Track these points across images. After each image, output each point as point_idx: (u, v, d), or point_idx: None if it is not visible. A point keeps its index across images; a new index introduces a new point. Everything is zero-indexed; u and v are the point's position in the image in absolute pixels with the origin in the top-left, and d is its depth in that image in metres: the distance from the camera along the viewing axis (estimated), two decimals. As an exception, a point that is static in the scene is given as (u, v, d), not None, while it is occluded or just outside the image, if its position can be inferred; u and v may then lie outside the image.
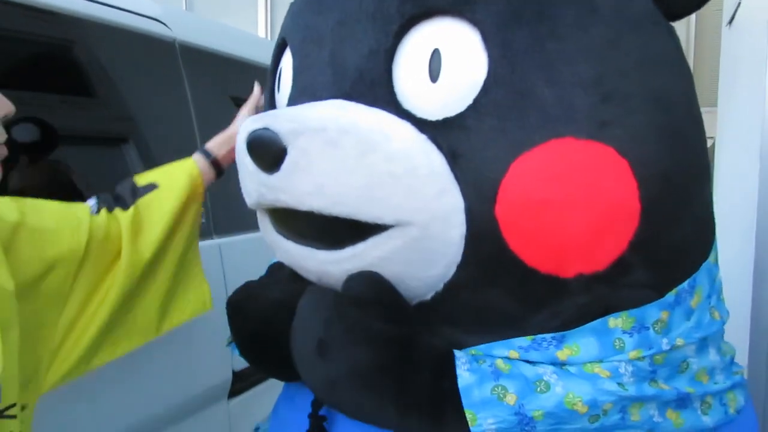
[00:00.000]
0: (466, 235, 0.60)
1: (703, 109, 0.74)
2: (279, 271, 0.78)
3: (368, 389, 0.61)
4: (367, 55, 0.64)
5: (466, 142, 0.59)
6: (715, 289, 0.71)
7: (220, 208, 1.52)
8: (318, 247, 0.67)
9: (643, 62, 0.62)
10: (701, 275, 0.68)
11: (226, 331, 1.46)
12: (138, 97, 1.38)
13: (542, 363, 0.61)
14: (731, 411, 0.67)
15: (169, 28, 1.47)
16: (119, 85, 1.34)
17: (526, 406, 0.57)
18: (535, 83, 0.58)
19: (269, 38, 5.02)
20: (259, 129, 0.63)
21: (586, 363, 0.60)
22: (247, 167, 0.67)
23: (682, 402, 0.62)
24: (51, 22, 1.20)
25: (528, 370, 0.60)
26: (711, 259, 0.70)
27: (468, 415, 0.58)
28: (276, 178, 0.63)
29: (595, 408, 0.57)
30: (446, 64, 0.60)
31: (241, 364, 1.55)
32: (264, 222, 0.75)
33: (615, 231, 0.60)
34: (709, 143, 0.74)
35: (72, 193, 1.25)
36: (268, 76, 0.84)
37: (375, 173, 0.60)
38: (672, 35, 0.67)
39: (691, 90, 0.68)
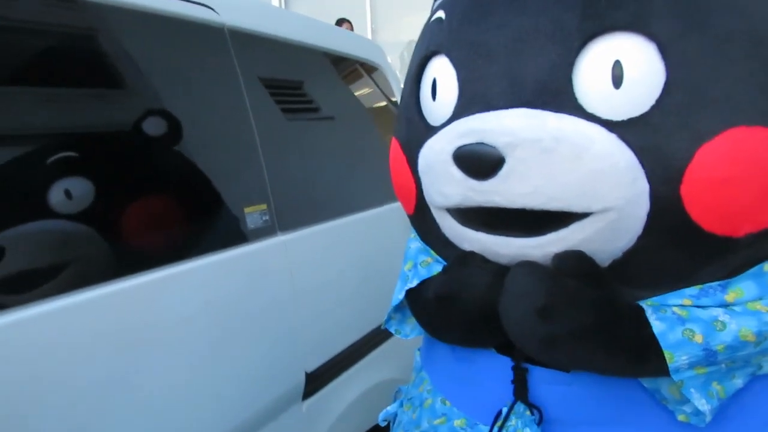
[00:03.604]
0: (649, 212, 0.72)
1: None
2: (471, 259, 0.85)
3: (586, 343, 0.74)
4: (549, 68, 0.74)
5: (652, 137, 0.71)
6: None
7: (283, 204, 1.44)
8: (515, 236, 0.78)
9: None
10: None
11: (296, 332, 1.43)
12: (187, 87, 1.29)
13: (712, 306, 0.74)
14: None
15: (217, 13, 1.36)
16: (166, 75, 1.25)
17: (711, 343, 0.71)
18: (708, 83, 0.70)
19: (283, 8, 4.88)
20: (472, 144, 0.73)
21: (749, 302, 0.74)
22: (452, 176, 0.77)
23: None
24: (94, 12, 1.11)
25: (702, 314, 0.73)
26: None
27: (666, 355, 0.71)
28: (489, 183, 0.74)
29: (760, 336, 0.72)
30: (628, 72, 0.71)
31: (313, 364, 1.50)
32: (444, 218, 0.86)
33: None
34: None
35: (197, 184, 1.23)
36: (409, 83, 0.93)
37: (586, 172, 0.71)
38: None
39: None
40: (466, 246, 0.86)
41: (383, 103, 2.20)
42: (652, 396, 0.79)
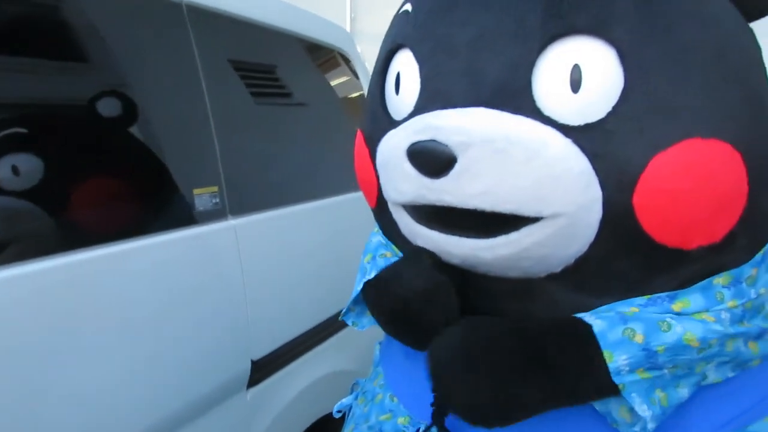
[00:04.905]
0: (601, 219, 0.70)
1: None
2: (424, 258, 0.84)
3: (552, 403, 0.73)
4: (510, 67, 0.72)
5: (607, 144, 0.69)
6: None
7: (235, 188, 1.40)
8: (467, 236, 0.75)
9: (744, 67, 0.75)
10: None
11: (243, 320, 1.41)
12: (139, 63, 1.25)
13: (659, 314, 0.74)
14: None
15: (174, -13, 1.32)
16: (119, 51, 1.21)
17: (652, 343, 0.70)
18: (666, 92, 0.69)
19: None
20: (426, 141, 0.71)
21: (695, 313, 0.73)
22: (406, 172, 0.75)
23: (759, 335, 0.78)
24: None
25: (650, 314, 0.73)
26: None
27: (606, 355, 0.69)
28: (441, 182, 0.72)
29: (704, 343, 0.71)
30: (587, 77, 0.70)
31: (260, 353, 1.47)
32: (400, 214, 0.84)
33: (730, 210, 0.73)
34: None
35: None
36: (376, 75, 0.91)
37: (538, 176, 0.69)
38: (754, 36, 0.79)
39: None
40: (419, 243, 0.84)
41: (349, 91, 2.17)
42: (603, 420, 0.77)
